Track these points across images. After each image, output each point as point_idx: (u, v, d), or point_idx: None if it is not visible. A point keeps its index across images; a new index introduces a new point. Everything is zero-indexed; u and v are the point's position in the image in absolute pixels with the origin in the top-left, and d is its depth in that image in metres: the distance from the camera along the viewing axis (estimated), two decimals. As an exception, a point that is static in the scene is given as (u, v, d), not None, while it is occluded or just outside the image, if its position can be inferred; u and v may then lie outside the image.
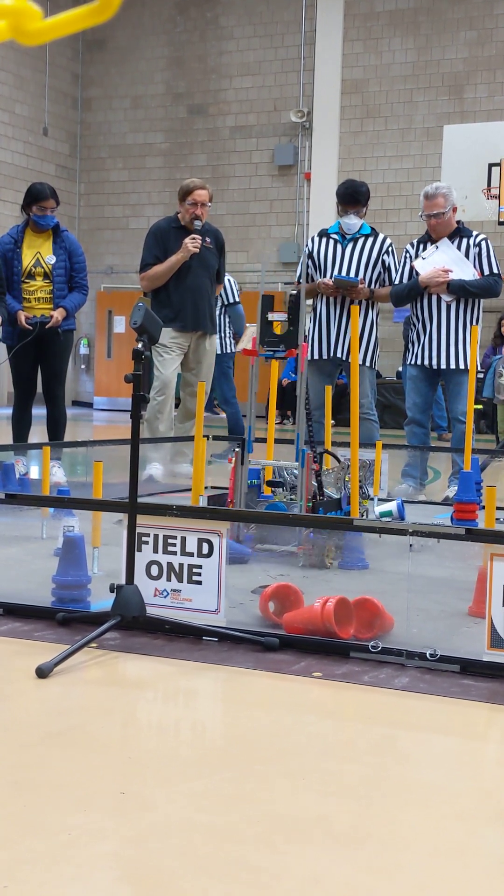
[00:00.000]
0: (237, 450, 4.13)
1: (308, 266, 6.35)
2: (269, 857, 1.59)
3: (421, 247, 6.09)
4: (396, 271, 6.19)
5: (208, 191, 6.41)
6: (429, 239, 6.10)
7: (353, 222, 6.29)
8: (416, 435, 6.15)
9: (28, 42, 0.95)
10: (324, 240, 6.34)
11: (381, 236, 6.35)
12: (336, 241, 6.29)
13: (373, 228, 6.39)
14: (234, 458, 4.15)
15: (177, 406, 6.59)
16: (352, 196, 6.33)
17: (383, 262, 6.26)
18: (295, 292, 4.22)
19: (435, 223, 5.96)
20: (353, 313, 4.22)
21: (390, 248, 6.32)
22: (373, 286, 6.24)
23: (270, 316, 4.20)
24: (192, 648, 2.76)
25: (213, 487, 5.29)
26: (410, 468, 6.06)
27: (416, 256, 6.06)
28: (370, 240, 6.29)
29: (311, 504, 4.02)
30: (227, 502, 4.33)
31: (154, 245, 6.41)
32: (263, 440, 4.83)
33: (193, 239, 6.30)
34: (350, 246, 6.25)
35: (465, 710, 2.36)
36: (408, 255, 6.11)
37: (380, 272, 6.26)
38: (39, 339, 6.20)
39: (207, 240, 6.43)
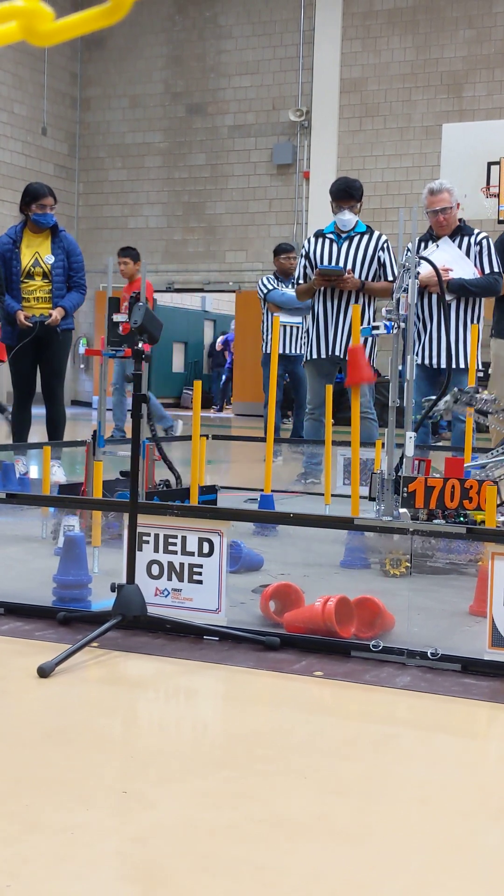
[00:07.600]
0: (88, 441, 4.34)
1: (306, 267, 6.35)
2: (271, 854, 1.59)
3: (422, 245, 6.08)
4: (392, 267, 6.18)
5: None
6: (430, 237, 6.08)
7: (347, 218, 6.27)
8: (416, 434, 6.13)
9: (39, 43, 0.95)
10: (319, 240, 6.34)
11: (376, 233, 6.35)
12: (332, 241, 6.29)
13: (368, 226, 6.39)
14: (87, 448, 4.36)
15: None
16: (345, 191, 6.31)
17: (379, 258, 6.25)
18: (135, 293, 4.33)
19: (443, 219, 5.94)
20: (355, 313, 4.21)
21: (385, 245, 6.31)
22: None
23: (115, 317, 4.43)
24: (193, 648, 2.76)
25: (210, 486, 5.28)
26: (410, 467, 6.05)
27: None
28: (366, 237, 6.29)
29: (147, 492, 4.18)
30: (80, 492, 4.39)
31: None
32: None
33: None
34: (346, 244, 6.25)
35: (467, 709, 2.37)
36: (408, 252, 6.09)
37: (375, 269, 6.25)
38: (38, 338, 6.21)
39: None
